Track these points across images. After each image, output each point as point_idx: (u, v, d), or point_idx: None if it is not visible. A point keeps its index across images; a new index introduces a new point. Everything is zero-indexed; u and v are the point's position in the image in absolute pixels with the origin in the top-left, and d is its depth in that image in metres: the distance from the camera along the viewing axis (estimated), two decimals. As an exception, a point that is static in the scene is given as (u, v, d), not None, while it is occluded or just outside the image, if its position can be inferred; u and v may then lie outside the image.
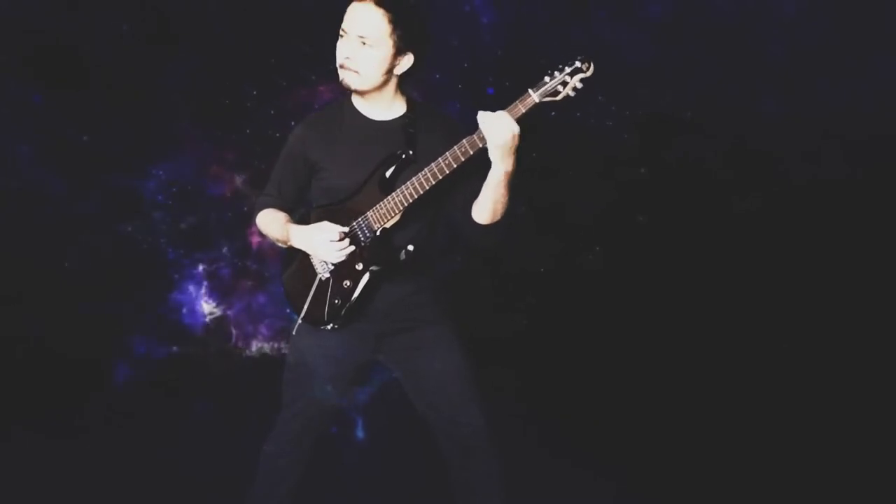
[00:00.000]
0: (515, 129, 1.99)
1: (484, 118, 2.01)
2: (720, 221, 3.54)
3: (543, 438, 3.32)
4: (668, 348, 3.63)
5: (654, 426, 3.40)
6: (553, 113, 3.54)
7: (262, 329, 3.98)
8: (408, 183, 2.10)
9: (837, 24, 3.28)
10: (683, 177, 3.53)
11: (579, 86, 2.00)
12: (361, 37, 2.12)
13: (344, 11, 2.17)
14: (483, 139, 2.02)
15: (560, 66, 2.01)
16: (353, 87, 2.18)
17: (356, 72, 2.16)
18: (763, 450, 3.25)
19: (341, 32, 2.16)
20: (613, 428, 3.40)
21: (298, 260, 2.29)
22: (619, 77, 3.42)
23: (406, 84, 2.27)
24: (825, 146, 3.35)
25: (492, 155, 2.02)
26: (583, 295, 3.81)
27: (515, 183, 2.09)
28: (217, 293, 3.96)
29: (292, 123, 2.36)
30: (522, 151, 2.04)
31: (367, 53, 2.14)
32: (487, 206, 2.13)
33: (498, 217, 2.15)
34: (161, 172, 3.84)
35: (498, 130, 1.99)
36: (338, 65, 2.18)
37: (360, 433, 3.54)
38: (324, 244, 2.17)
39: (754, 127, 3.43)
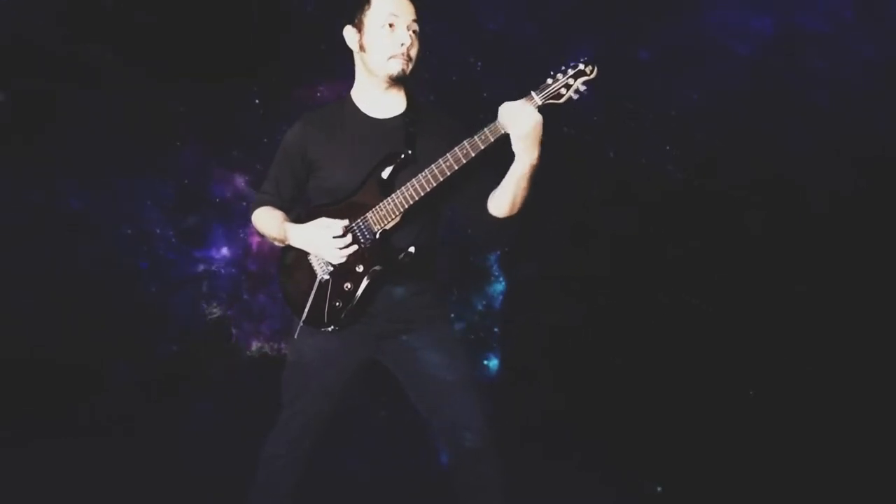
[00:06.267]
0: (538, 118, 1.97)
1: (507, 109, 1.99)
2: (758, 247, 3.55)
3: (545, 441, 3.31)
4: (674, 353, 3.62)
5: (657, 431, 3.40)
6: (612, 154, 3.60)
7: (262, 329, 3.98)
8: (408, 184, 2.08)
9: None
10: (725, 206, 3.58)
11: (582, 89, 1.98)
12: (415, 21, 2.14)
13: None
14: (494, 133, 2.01)
15: (563, 69, 1.99)
16: (407, 72, 2.17)
17: (411, 58, 2.16)
18: (783, 465, 3.23)
19: (390, 20, 2.12)
20: (615, 432, 3.40)
21: (297, 260, 2.25)
22: (672, 122, 3.59)
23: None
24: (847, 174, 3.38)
25: (515, 147, 2.01)
26: (593, 301, 3.80)
27: (537, 176, 2.07)
28: (217, 293, 3.96)
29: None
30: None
31: (416, 39, 2.16)
32: (507, 199, 2.11)
33: (516, 210, 2.14)
34: (162, 173, 3.84)
35: (521, 120, 1.97)
36: (388, 56, 2.13)
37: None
38: (325, 242, 2.14)
39: (787, 161, 3.49)
